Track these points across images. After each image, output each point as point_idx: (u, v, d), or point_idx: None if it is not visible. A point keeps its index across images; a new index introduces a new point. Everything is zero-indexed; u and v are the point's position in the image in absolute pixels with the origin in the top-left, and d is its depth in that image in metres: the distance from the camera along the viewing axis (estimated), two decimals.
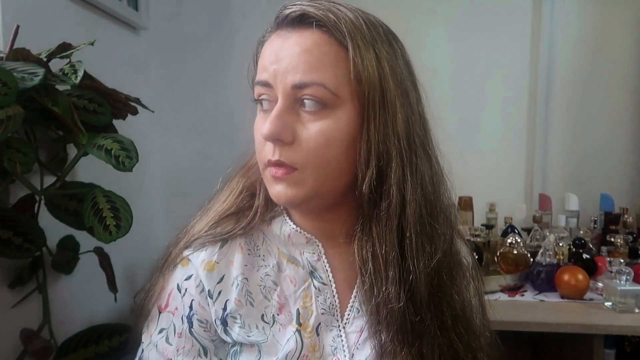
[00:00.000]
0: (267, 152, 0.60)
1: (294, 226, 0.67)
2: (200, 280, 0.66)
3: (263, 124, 0.59)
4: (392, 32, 0.63)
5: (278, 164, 0.59)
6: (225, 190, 0.71)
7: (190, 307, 0.66)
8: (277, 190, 0.60)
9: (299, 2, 0.61)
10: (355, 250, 0.63)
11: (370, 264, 0.61)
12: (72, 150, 1.13)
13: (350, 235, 0.65)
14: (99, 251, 1.18)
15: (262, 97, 0.61)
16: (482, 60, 1.87)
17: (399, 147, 0.59)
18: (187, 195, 1.85)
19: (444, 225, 0.64)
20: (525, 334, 1.35)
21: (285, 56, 0.58)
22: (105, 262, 1.18)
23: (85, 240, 1.14)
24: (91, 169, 1.19)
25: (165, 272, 0.70)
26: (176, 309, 0.67)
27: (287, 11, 0.61)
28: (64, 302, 1.23)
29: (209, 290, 0.66)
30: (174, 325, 0.67)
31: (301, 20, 0.59)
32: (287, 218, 0.68)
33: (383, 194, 0.60)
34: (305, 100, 0.58)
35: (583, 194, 1.78)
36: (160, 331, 0.67)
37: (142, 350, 0.69)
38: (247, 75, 0.67)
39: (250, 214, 0.68)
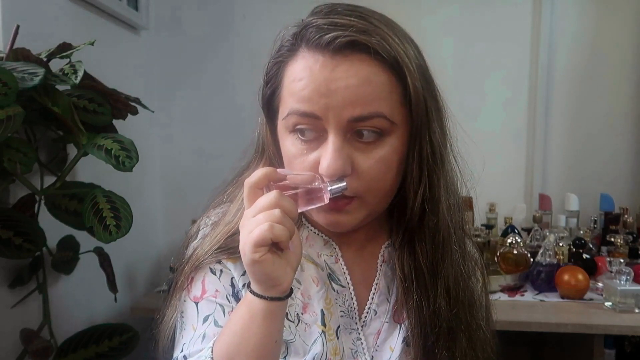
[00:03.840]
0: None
1: (312, 228, 0.68)
2: (229, 268, 0.64)
3: (306, 155, 0.57)
4: (409, 36, 0.61)
5: (341, 197, 0.57)
6: (233, 204, 0.67)
7: (232, 285, 0.63)
8: (334, 219, 0.59)
9: (337, 20, 0.55)
10: (397, 264, 0.64)
11: (413, 277, 0.63)
12: (72, 150, 1.13)
13: (369, 241, 0.68)
14: (99, 251, 1.18)
15: (301, 126, 0.57)
16: (482, 60, 1.87)
17: (441, 162, 0.61)
18: (187, 195, 1.86)
19: (460, 229, 0.67)
20: (525, 334, 1.35)
21: (340, 88, 0.54)
22: (105, 262, 1.18)
23: (85, 240, 1.14)
24: (91, 169, 1.19)
25: (175, 299, 0.66)
26: (217, 291, 0.63)
27: (330, 36, 0.54)
28: (64, 302, 1.23)
29: (237, 280, 0.63)
30: (221, 306, 0.62)
31: (350, 46, 0.54)
32: (305, 220, 0.68)
33: (431, 209, 0.62)
34: (363, 131, 0.56)
35: (583, 194, 1.78)
36: (205, 319, 0.62)
37: (182, 348, 0.61)
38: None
39: None
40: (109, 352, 1.10)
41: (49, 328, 1.08)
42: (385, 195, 0.61)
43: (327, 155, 0.55)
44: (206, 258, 0.63)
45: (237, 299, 0.63)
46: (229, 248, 0.63)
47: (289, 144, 0.59)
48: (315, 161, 0.57)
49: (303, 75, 0.56)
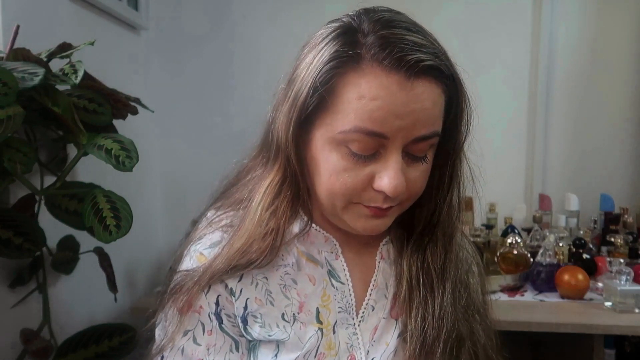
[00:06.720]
0: (375, 199, 0.59)
1: (314, 225, 0.68)
2: (225, 283, 0.65)
3: (360, 169, 0.57)
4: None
5: (388, 208, 0.60)
6: (242, 215, 0.66)
7: (217, 303, 0.64)
8: (374, 225, 0.62)
9: (410, 38, 0.54)
10: (405, 266, 0.66)
11: (420, 278, 0.65)
12: (72, 150, 1.13)
13: (369, 241, 0.69)
14: (99, 251, 1.18)
15: (357, 143, 0.56)
16: (482, 60, 1.87)
17: (462, 172, 0.66)
18: (187, 195, 1.86)
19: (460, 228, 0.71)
20: (525, 334, 1.35)
21: (415, 111, 0.54)
22: (105, 262, 1.18)
23: (85, 240, 1.14)
24: (91, 169, 1.19)
25: (167, 305, 0.66)
26: (201, 307, 0.65)
27: (413, 57, 0.53)
28: (64, 302, 1.23)
29: (231, 288, 0.64)
30: (202, 324, 0.64)
31: (427, 69, 0.54)
32: (306, 218, 0.68)
33: (449, 216, 0.66)
34: (418, 148, 0.58)
35: (583, 194, 1.78)
36: (185, 333, 0.64)
37: (163, 357, 0.65)
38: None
39: (267, 251, 0.63)
40: (109, 352, 1.10)
41: (49, 328, 1.08)
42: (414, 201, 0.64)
43: (390, 173, 0.56)
44: (226, 272, 0.63)
45: (219, 317, 0.64)
46: (237, 265, 0.63)
47: (337, 157, 0.58)
48: (370, 175, 0.58)
49: (377, 95, 0.54)
